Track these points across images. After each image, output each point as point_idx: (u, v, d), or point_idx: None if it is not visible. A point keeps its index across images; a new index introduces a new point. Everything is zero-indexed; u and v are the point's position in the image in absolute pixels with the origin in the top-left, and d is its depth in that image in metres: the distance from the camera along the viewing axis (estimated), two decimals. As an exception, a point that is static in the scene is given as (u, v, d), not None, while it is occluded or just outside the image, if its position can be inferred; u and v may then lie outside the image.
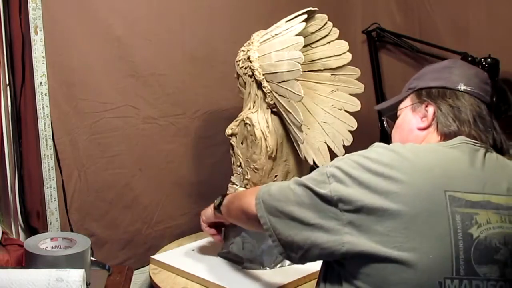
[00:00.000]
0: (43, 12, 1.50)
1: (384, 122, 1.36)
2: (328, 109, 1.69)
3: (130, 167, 1.83)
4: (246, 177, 1.60)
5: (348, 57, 1.68)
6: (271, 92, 1.53)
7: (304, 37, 1.51)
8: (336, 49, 1.68)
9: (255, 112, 1.58)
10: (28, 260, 1.28)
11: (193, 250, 1.74)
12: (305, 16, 1.53)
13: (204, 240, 1.80)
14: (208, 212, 1.54)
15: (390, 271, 0.95)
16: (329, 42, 1.68)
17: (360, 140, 1.70)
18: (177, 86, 1.90)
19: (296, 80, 1.45)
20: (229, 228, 1.61)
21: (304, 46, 1.54)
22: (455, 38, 2.03)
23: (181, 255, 1.70)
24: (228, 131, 1.64)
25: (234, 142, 1.64)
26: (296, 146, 1.56)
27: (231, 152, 1.66)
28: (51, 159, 1.55)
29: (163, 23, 1.84)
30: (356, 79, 1.70)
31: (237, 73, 1.64)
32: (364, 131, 1.75)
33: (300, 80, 1.51)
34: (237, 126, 1.62)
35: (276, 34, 1.54)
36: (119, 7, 1.75)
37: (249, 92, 1.60)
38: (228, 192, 1.65)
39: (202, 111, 1.96)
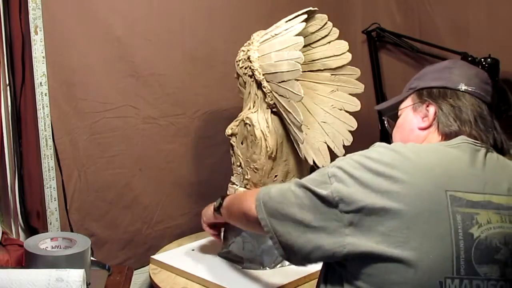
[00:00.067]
0: (43, 12, 1.50)
1: (385, 122, 1.36)
2: (328, 109, 1.69)
3: (130, 167, 1.83)
4: (246, 177, 1.60)
5: (348, 57, 1.68)
6: (271, 92, 1.53)
7: (304, 37, 1.51)
8: (336, 49, 1.68)
9: (255, 112, 1.58)
10: (28, 260, 1.28)
11: (193, 250, 1.74)
12: (305, 16, 1.53)
13: (204, 240, 1.80)
14: (209, 213, 1.54)
15: (391, 270, 0.95)
16: (329, 42, 1.68)
17: (360, 140, 1.70)
18: (177, 86, 1.90)
19: (296, 80, 1.45)
20: (229, 228, 1.62)
21: (304, 46, 1.54)
22: (455, 38, 2.02)
23: (181, 255, 1.70)
24: (228, 131, 1.64)
25: (234, 142, 1.64)
26: (296, 146, 1.56)
27: (231, 152, 1.66)
28: (51, 159, 1.55)
29: (163, 23, 1.84)
30: (356, 79, 1.70)
31: (237, 73, 1.64)
32: (364, 131, 1.75)
33: (300, 80, 1.51)
34: (237, 126, 1.62)
35: (276, 34, 1.54)
36: (119, 7, 1.75)
37: (249, 92, 1.60)
38: (228, 192, 1.65)
39: (202, 111, 1.96)
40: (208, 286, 1.52)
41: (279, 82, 1.48)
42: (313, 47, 1.68)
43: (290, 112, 1.48)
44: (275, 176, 1.60)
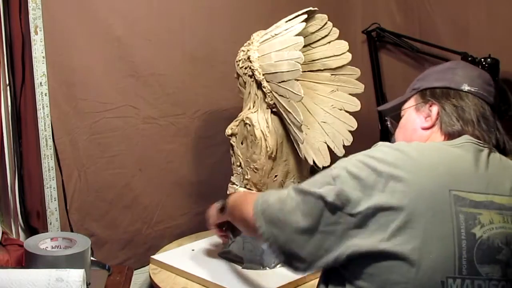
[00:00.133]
0: (43, 12, 1.50)
1: (388, 123, 1.36)
2: (328, 109, 1.69)
3: (130, 167, 1.83)
4: (246, 177, 1.60)
5: (348, 57, 1.68)
6: (271, 92, 1.53)
7: (304, 37, 1.51)
8: (336, 49, 1.68)
9: (255, 112, 1.58)
10: (28, 260, 1.28)
11: (193, 250, 1.74)
12: (305, 16, 1.53)
13: (204, 240, 1.80)
14: (213, 213, 1.52)
15: (393, 270, 0.95)
16: (329, 42, 1.68)
17: (360, 140, 1.70)
18: (177, 86, 1.90)
19: (296, 80, 1.45)
20: (229, 228, 1.61)
21: (304, 46, 1.54)
22: (455, 38, 2.02)
23: (181, 255, 1.70)
24: (228, 131, 1.64)
25: (234, 142, 1.64)
26: (296, 146, 1.56)
27: (231, 152, 1.66)
28: (51, 159, 1.55)
29: (163, 23, 1.84)
30: (356, 79, 1.70)
31: (237, 73, 1.64)
32: (364, 131, 1.75)
33: (300, 80, 1.51)
34: (237, 126, 1.62)
35: (276, 34, 1.54)
36: (119, 7, 1.75)
37: (249, 92, 1.60)
38: (228, 192, 1.65)
39: (202, 111, 1.96)
40: (208, 286, 1.52)
41: (279, 82, 1.48)
42: (313, 47, 1.68)
43: (290, 112, 1.48)
44: (275, 176, 1.60)
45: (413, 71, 2.17)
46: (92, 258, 1.39)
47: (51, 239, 1.37)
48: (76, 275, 1.14)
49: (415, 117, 1.18)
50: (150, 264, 1.69)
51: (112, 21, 1.73)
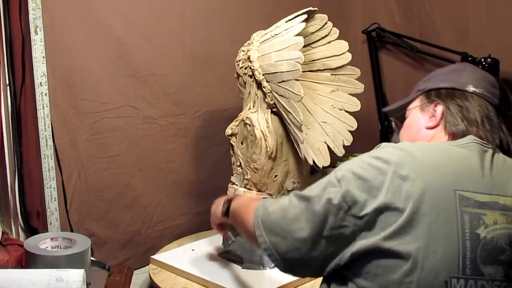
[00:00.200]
0: (43, 12, 1.50)
1: (393, 124, 1.36)
2: (328, 109, 1.69)
3: (130, 167, 1.83)
4: (246, 177, 1.60)
5: (348, 57, 1.68)
6: (271, 92, 1.53)
7: (304, 37, 1.51)
8: (336, 49, 1.68)
9: (255, 112, 1.58)
10: (28, 260, 1.28)
11: (193, 250, 1.74)
12: (305, 16, 1.53)
13: (204, 240, 1.80)
14: (217, 212, 1.50)
15: (397, 269, 0.95)
16: (329, 42, 1.68)
17: (360, 140, 1.70)
18: (177, 86, 1.90)
19: (296, 80, 1.45)
20: (229, 228, 1.61)
21: (304, 46, 1.54)
22: (455, 38, 2.02)
23: (181, 255, 1.70)
24: (228, 131, 1.64)
25: (234, 142, 1.64)
26: (296, 146, 1.56)
27: (231, 152, 1.66)
28: (51, 159, 1.55)
29: (163, 23, 1.84)
30: (356, 79, 1.70)
31: (237, 73, 1.64)
32: (364, 131, 1.75)
33: (300, 80, 1.51)
34: (237, 126, 1.62)
35: (276, 34, 1.54)
36: (119, 7, 1.75)
37: (249, 92, 1.60)
38: (228, 192, 1.65)
39: (202, 111, 1.96)
40: (208, 286, 1.52)
41: (279, 82, 1.48)
42: (313, 47, 1.68)
43: (290, 112, 1.48)
44: (275, 176, 1.60)
45: (413, 71, 2.17)
46: (92, 258, 1.39)
47: (51, 239, 1.37)
48: (76, 275, 1.14)
49: (419, 117, 1.18)
50: (150, 264, 1.69)
51: (112, 21, 1.73)
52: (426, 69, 2.10)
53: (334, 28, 1.67)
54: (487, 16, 1.95)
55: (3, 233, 1.45)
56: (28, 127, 1.56)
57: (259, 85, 1.56)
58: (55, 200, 1.57)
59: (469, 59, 1.82)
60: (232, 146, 1.65)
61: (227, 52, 1.83)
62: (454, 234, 0.95)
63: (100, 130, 1.75)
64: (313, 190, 1.04)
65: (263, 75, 1.53)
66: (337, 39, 1.68)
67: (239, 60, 1.62)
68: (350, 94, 1.70)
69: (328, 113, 1.68)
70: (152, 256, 1.70)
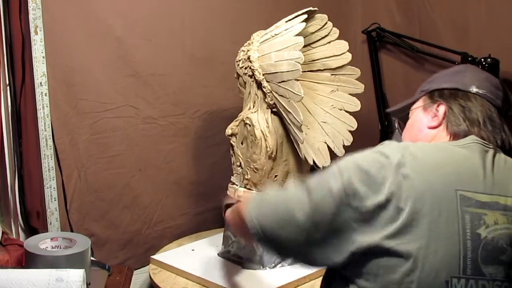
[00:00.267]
0: (43, 12, 1.50)
1: (396, 124, 1.36)
2: (328, 109, 1.69)
3: (130, 167, 1.83)
4: (246, 177, 1.60)
5: (348, 57, 1.68)
6: (271, 92, 1.53)
7: (304, 37, 1.51)
8: (336, 49, 1.68)
9: (255, 112, 1.58)
10: (28, 260, 1.28)
11: (193, 250, 1.74)
12: (305, 16, 1.53)
13: (204, 240, 1.80)
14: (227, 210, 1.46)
15: (397, 269, 0.94)
16: (329, 42, 1.68)
17: (360, 140, 1.70)
18: (177, 86, 1.90)
19: (296, 80, 1.45)
20: (229, 228, 1.61)
21: (304, 46, 1.54)
22: (455, 38, 2.02)
23: (181, 255, 1.70)
24: (228, 131, 1.64)
25: (234, 142, 1.64)
26: (296, 146, 1.56)
27: (231, 152, 1.66)
28: (51, 159, 1.55)
29: (163, 23, 1.84)
30: (356, 79, 1.70)
31: (237, 73, 1.64)
32: (364, 131, 1.75)
33: (300, 80, 1.51)
34: (237, 126, 1.62)
35: (276, 34, 1.54)
36: (119, 7, 1.75)
37: (249, 92, 1.60)
38: (228, 192, 1.65)
39: (202, 111, 1.96)
40: (208, 286, 1.52)
41: (279, 82, 1.48)
42: (313, 47, 1.68)
43: (290, 112, 1.48)
44: (275, 176, 1.60)
45: (413, 71, 2.17)
46: (92, 258, 1.39)
47: (51, 239, 1.37)
48: (76, 275, 1.14)
49: (422, 117, 1.18)
50: (150, 264, 1.69)
51: (112, 21, 1.73)
52: (426, 69, 2.10)
53: (334, 28, 1.67)
54: (487, 16, 1.95)
55: (3, 233, 1.45)
56: (28, 127, 1.56)
57: (259, 85, 1.56)
58: (55, 200, 1.57)
59: (469, 59, 1.82)
60: (232, 146, 1.65)
61: (227, 52, 1.83)
62: (455, 234, 0.95)
63: (100, 130, 1.75)
64: (312, 181, 1.04)
65: (263, 75, 1.53)
66: (337, 39, 1.68)
67: (239, 60, 1.62)
68: (350, 94, 1.70)
69: (328, 113, 1.68)
70: (152, 256, 1.70)
